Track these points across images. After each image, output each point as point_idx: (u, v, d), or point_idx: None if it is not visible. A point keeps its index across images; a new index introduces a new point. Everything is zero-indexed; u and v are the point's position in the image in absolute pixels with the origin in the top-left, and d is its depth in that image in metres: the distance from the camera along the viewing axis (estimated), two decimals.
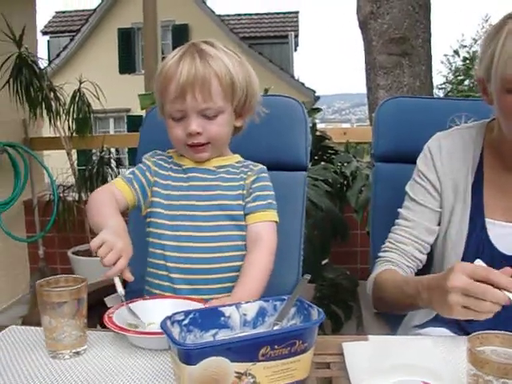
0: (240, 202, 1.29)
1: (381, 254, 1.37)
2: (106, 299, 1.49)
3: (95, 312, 1.13)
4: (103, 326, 1.23)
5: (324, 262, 2.65)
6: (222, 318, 0.93)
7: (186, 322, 0.89)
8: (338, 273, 2.65)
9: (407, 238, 1.32)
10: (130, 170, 1.32)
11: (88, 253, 3.45)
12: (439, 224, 1.31)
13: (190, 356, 0.75)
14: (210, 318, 0.92)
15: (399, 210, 1.37)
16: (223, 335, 0.92)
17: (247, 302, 0.95)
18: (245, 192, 1.30)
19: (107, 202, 1.21)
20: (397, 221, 1.37)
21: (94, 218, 1.18)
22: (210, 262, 1.25)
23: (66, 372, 0.88)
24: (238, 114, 1.30)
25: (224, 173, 1.32)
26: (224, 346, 0.78)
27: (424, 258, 1.33)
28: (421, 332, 1.26)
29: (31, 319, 1.14)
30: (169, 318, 0.86)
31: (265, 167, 1.36)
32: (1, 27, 3.09)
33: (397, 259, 1.32)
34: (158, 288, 1.28)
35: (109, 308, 1.42)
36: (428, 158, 1.33)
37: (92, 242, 1.03)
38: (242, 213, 1.29)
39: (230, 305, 0.94)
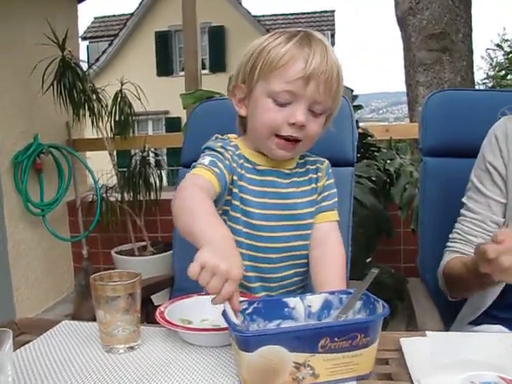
0: (311, 210, 1.24)
1: (449, 244, 1.35)
2: (153, 297, 1.50)
3: (142, 309, 1.13)
4: (149, 323, 1.23)
5: (368, 261, 2.62)
6: (286, 309, 0.92)
7: (249, 311, 0.89)
8: (382, 271, 2.61)
9: (476, 231, 1.29)
10: (209, 160, 1.13)
11: (131, 252, 3.50)
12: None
13: (247, 343, 0.75)
14: (274, 309, 0.92)
15: (463, 200, 1.34)
16: (286, 326, 0.91)
17: (312, 294, 0.94)
18: (316, 196, 1.26)
19: (202, 203, 0.98)
20: (462, 211, 1.34)
21: (186, 226, 0.95)
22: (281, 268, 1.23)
23: (121, 366, 0.88)
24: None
25: (295, 176, 1.25)
26: (281, 334, 0.77)
27: None
28: (476, 329, 1.23)
29: (78, 317, 1.15)
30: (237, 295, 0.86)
31: (327, 161, 1.31)
32: (45, 32, 3.16)
33: (466, 250, 1.30)
34: None
35: (156, 306, 1.43)
36: (493, 143, 1.29)
37: (191, 267, 0.82)
38: (311, 221, 1.24)
39: (294, 296, 0.94)
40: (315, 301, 0.93)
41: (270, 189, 1.21)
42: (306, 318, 0.93)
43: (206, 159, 1.13)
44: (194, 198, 0.99)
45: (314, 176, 1.27)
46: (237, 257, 0.86)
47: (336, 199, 1.29)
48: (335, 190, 1.30)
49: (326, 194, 1.27)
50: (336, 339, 0.77)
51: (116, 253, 3.52)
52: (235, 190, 1.18)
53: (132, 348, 0.94)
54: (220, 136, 1.25)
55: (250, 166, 1.21)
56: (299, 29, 1.16)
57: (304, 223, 1.23)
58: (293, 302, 0.93)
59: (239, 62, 1.20)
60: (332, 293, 0.95)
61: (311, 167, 1.28)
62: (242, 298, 0.94)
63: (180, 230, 0.97)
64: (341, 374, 0.79)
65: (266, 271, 1.22)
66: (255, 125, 1.18)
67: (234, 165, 1.18)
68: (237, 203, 1.19)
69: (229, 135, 1.26)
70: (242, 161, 1.21)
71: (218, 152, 1.16)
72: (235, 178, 1.18)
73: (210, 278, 0.81)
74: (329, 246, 1.23)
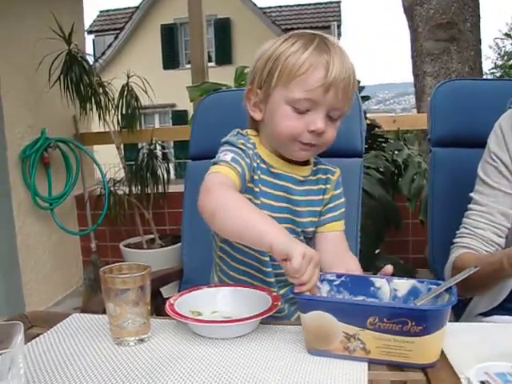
0: (314, 219, 1.23)
1: (456, 240, 1.32)
2: (162, 289, 1.50)
3: (152, 302, 1.13)
4: (158, 316, 1.23)
5: (377, 252, 2.62)
6: (372, 288, 0.96)
7: (336, 282, 0.96)
8: (390, 262, 2.61)
9: (483, 223, 1.26)
10: (232, 156, 1.11)
11: (139, 245, 3.51)
12: None
13: (301, 304, 0.86)
14: (360, 285, 0.97)
15: (471, 194, 1.32)
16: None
17: (399, 278, 0.96)
18: (321, 207, 1.24)
19: (240, 200, 1.02)
20: (469, 206, 1.32)
21: (234, 225, 0.98)
22: None
23: (132, 358, 0.88)
24: None
25: (307, 184, 1.22)
26: (328, 303, 0.84)
27: (502, 241, 1.27)
28: (486, 320, 1.22)
29: (87, 310, 1.15)
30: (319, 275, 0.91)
31: (339, 170, 1.29)
32: (51, 26, 3.15)
33: (474, 245, 1.27)
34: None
35: (165, 298, 1.43)
36: (499, 137, 1.28)
37: (294, 260, 0.84)
38: (312, 229, 1.23)
39: (381, 277, 0.96)
40: (402, 285, 0.95)
41: (281, 193, 1.19)
42: (391, 301, 0.95)
43: (228, 155, 1.11)
44: (229, 197, 1.02)
45: (323, 187, 1.25)
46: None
47: (343, 209, 1.27)
48: (343, 200, 1.28)
49: (332, 205, 1.26)
50: (385, 320, 0.79)
51: (124, 246, 3.53)
52: (256, 190, 1.16)
53: (142, 340, 0.94)
54: (240, 131, 1.22)
55: (264, 166, 1.19)
56: (311, 32, 1.15)
57: (306, 231, 1.22)
58: (379, 282, 0.96)
59: (253, 65, 1.18)
60: (421, 281, 0.95)
61: (322, 177, 1.26)
62: (243, 298, 0.98)
63: (224, 231, 1.03)
64: (393, 357, 0.81)
65: (269, 275, 1.20)
66: (274, 131, 1.16)
67: (255, 164, 1.16)
68: (258, 202, 1.16)
69: (247, 131, 1.23)
70: (258, 161, 1.18)
71: (240, 149, 1.14)
72: (256, 177, 1.16)
73: (306, 267, 0.86)
74: (340, 256, 1.22)
